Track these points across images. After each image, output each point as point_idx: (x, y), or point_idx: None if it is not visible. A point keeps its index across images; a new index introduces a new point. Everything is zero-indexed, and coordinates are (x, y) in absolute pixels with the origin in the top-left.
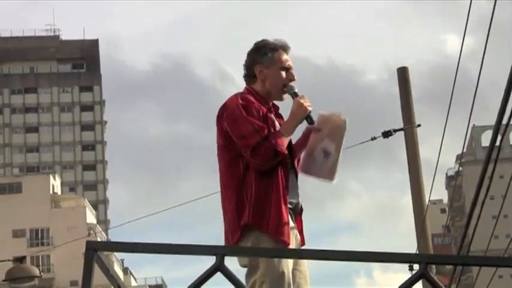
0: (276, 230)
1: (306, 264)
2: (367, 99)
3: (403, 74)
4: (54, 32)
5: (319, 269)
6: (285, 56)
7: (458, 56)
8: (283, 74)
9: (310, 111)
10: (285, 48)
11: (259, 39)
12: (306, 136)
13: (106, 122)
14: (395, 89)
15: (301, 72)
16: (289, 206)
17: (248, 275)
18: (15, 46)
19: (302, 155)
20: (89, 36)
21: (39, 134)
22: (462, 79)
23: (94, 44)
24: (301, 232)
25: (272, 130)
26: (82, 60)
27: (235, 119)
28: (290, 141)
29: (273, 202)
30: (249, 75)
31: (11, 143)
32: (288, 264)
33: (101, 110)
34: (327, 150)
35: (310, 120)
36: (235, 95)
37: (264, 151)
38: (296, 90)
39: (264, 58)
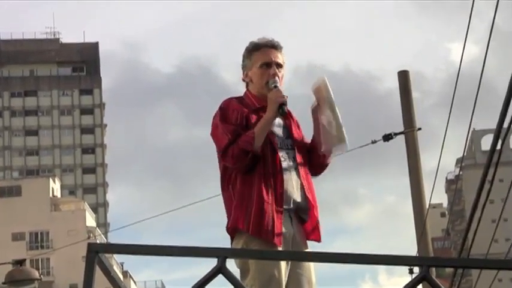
0: (258, 230)
1: (311, 268)
2: (384, 104)
3: (403, 77)
4: (54, 35)
5: (323, 272)
6: (266, 53)
7: (474, 63)
8: (264, 71)
9: (282, 103)
10: (268, 45)
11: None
12: (315, 119)
13: (106, 125)
14: (414, 94)
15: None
16: (285, 206)
17: (240, 279)
18: (15, 49)
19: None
20: (89, 39)
21: (39, 137)
22: (476, 85)
23: (94, 47)
24: (311, 230)
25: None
26: (82, 63)
27: (215, 125)
28: (294, 141)
29: (255, 203)
30: (244, 80)
31: (11, 146)
32: (279, 267)
33: (101, 113)
34: (329, 120)
35: (281, 112)
36: (222, 101)
37: (232, 152)
38: (277, 84)
39: (246, 61)
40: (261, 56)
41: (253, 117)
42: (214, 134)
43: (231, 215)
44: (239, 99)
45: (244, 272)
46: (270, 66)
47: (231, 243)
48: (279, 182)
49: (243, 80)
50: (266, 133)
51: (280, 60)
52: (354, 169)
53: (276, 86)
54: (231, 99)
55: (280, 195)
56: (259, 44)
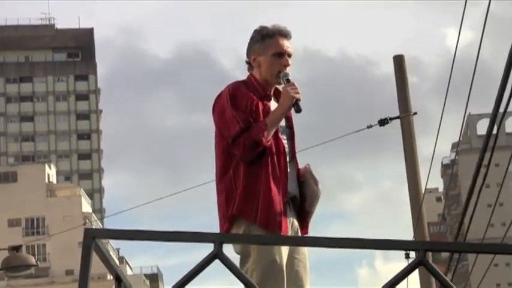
0: (266, 221)
1: (306, 252)
2: (382, 89)
3: (399, 61)
4: (49, 20)
5: (319, 257)
6: (279, 42)
7: (478, 49)
8: (276, 60)
9: (297, 99)
10: (281, 33)
11: (258, 26)
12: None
13: (101, 111)
14: (409, 79)
15: (315, 64)
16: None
17: (241, 263)
18: (11, 35)
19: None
20: (84, 25)
21: (35, 123)
22: (481, 66)
23: (89, 32)
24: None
25: (260, 119)
26: (77, 49)
27: (222, 110)
28: (292, 132)
29: (262, 192)
30: (248, 63)
31: (6, 132)
32: (280, 252)
33: (96, 99)
34: (305, 208)
35: (296, 108)
36: (229, 85)
37: (243, 142)
38: (289, 77)
39: (257, 45)
40: (275, 44)
41: (261, 106)
42: (220, 118)
43: (234, 202)
44: (243, 83)
45: (245, 257)
46: (282, 56)
47: (227, 230)
48: (283, 172)
49: (248, 63)
50: (277, 127)
51: (291, 51)
52: (352, 154)
53: (288, 80)
54: (238, 83)
55: (285, 185)
56: (273, 31)
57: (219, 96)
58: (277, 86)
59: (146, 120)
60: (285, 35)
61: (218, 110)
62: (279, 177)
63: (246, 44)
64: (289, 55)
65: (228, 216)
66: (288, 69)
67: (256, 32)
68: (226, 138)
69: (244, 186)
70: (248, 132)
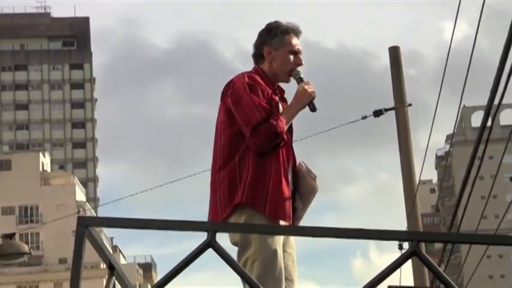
0: (275, 211)
1: (293, 245)
2: (381, 80)
3: (394, 53)
4: (44, 9)
5: (313, 248)
6: (294, 40)
7: (473, 40)
8: (291, 57)
9: (313, 98)
10: (296, 32)
11: (272, 20)
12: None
13: (96, 100)
14: (408, 71)
15: (313, 56)
16: None
17: (240, 253)
18: (6, 23)
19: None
20: (80, 13)
21: (29, 111)
22: (478, 60)
23: (85, 21)
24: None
25: (275, 112)
26: (73, 37)
27: (240, 97)
28: (291, 129)
29: (272, 183)
30: (258, 55)
31: (1, 120)
32: (280, 243)
33: (91, 88)
34: (294, 205)
35: (312, 107)
36: (243, 73)
37: (264, 131)
38: (302, 76)
39: (274, 40)
40: (292, 42)
41: (273, 98)
42: (237, 105)
43: (242, 190)
44: (254, 74)
45: (245, 246)
46: (297, 55)
47: (227, 217)
48: (288, 165)
49: (257, 55)
50: (291, 122)
51: (302, 49)
52: (349, 146)
53: (301, 78)
54: (251, 73)
55: (288, 176)
56: (290, 29)
57: (231, 84)
58: (279, 84)
59: (145, 110)
60: (298, 33)
61: (233, 96)
62: (286, 170)
63: (256, 36)
64: (301, 54)
65: (232, 204)
66: (299, 68)
67: (273, 27)
68: (245, 125)
69: (254, 176)
70: (269, 123)
